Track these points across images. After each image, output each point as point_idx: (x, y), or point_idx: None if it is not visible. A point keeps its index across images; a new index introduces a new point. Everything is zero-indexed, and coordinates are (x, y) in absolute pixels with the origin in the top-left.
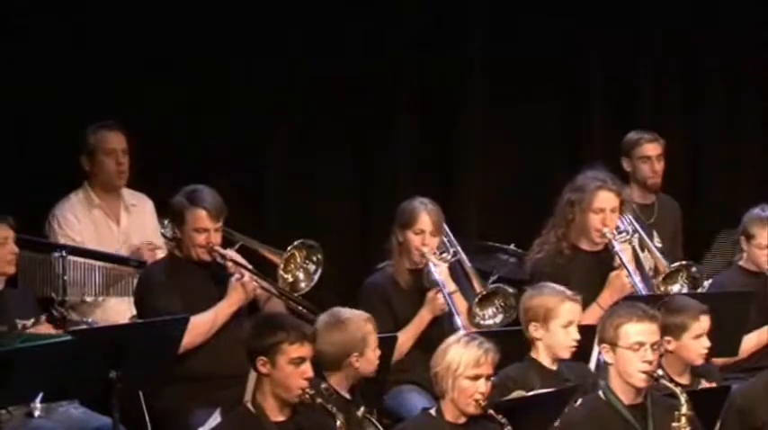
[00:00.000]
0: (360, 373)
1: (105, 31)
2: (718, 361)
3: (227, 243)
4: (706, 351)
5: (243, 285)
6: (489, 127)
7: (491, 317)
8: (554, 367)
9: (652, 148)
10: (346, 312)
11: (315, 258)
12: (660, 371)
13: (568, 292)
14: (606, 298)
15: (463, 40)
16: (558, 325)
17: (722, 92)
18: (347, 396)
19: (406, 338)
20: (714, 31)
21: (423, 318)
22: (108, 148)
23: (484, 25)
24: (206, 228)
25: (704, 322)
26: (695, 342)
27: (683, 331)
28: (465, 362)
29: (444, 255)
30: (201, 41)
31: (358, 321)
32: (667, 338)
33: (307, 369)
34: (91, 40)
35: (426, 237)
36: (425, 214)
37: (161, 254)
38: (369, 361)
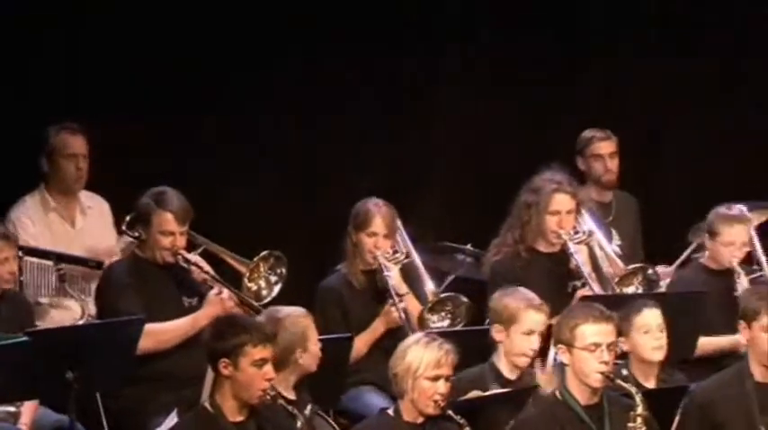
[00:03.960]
0: (304, 369)
1: (67, 30)
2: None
3: (190, 246)
4: (658, 344)
5: (221, 301)
6: (448, 126)
7: (439, 321)
8: (513, 376)
9: (605, 146)
10: (283, 310)
11: (278, 270)
12: (625, 371)
13: (536, 301)
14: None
15: (433, 45)
16: (518, 331)
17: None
18: (291, 396)
19: (360, 345)
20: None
21: (377, 329)
22: (68, 153)
23: (456, 31)
24: (172, 232)
25: (647, 316)
26: (645, 336)
27: (629, 328)
28: (425, 362)
29: (397, 255)
30: (169, 42)
31: (295, 317)
32: (621, 339)
33: (269, 370)
34: (51, 39)
35: (379, 239)
36: (379, 217)
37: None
38: (312, 355)
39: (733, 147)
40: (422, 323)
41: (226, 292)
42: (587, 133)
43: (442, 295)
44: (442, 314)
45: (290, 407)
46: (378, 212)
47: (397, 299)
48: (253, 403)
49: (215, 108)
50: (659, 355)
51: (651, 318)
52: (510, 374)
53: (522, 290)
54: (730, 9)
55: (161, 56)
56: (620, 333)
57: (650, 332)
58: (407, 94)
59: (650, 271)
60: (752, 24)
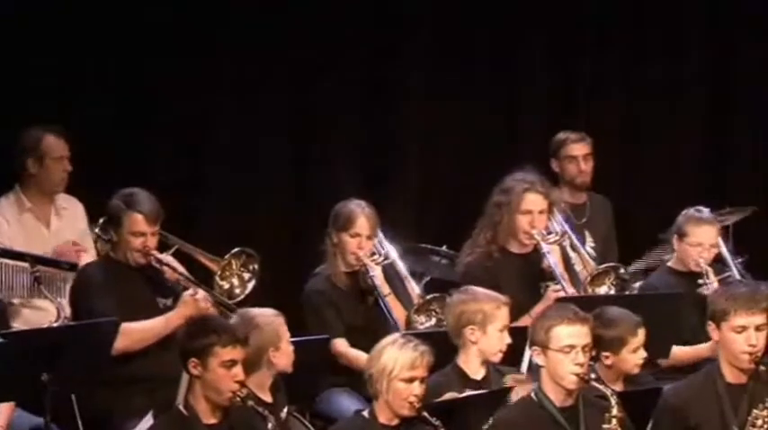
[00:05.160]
0: (278, 370)
1: (34, 32)
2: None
3: (162, 246)
4: (642, 361)
5: (196, 301)
6: (423, 128)
7: (427, 321)
8: (479, 375)
9: (578, 148)
10: (254, 311)
11: (251, 267)
12: (593, 375)
13: (502, 298)
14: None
15: (403, 40)
16: (494, 329)
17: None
18: (268, 398)
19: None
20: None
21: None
22: (58, 155)
23: (424, 31)
24: (142, 232)
25: (641, 336)
26: (633, 355)
27: (621, 346)
28: (400, 364)
29: (376, 257)
30: (134, 49)
31: (267, 316)
32: (605, 354)
33: (238, 372)
34: (21, 40)
35: (363, 240)
36: (363, 218)
37: (86, 256)
38: (284, 353)
39: (710, 151)
40: (410, 324)
41: (201, 293)
42: (561, 135)
43: (428, 296)
44: (428, 314)
45: (260, 409)
46: (361, 213)
47: (384, 296)
48: (223, 404)
49: (196, 108)
50: (639, 369)
51: (643, 336)
52: (475, 375)
53: (481, 289)
54: (715, 10)
55: (95, 60)
56: (606, 347)
57: (639, 349)
58: (383, 95)
59: (622, 270)
60: (737, 26)
